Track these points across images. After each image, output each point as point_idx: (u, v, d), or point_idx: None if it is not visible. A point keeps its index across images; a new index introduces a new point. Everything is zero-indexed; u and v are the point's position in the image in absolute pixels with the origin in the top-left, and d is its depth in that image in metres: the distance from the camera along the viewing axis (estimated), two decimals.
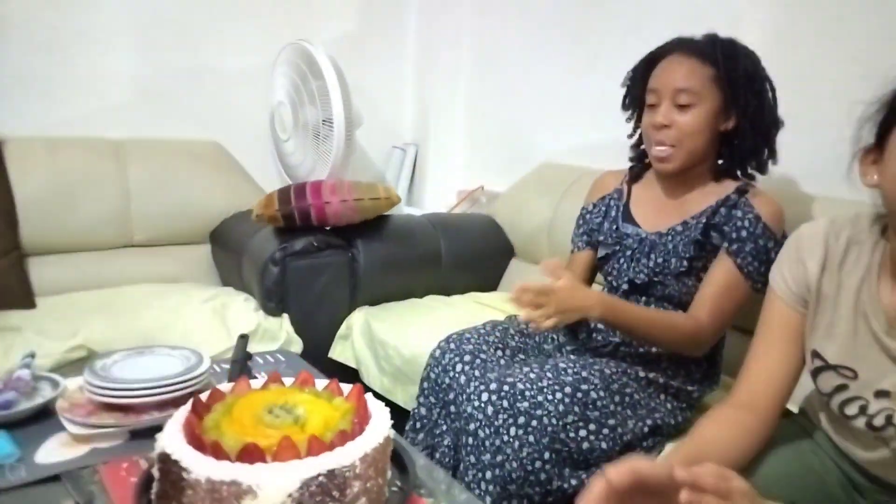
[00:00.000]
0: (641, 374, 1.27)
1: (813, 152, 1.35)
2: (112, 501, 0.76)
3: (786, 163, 1.34)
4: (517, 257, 2.19)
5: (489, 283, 2.16)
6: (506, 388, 1.14)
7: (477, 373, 1.23)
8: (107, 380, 0.93)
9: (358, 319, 1.85)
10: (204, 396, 0.81)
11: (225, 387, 0.85)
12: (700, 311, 1.22)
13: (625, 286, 1.32)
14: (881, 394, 0.89)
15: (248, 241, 1.91)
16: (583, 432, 1.16)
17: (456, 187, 2.69)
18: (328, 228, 1.86)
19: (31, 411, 0.94)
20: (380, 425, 0.78)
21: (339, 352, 1.86)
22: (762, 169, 1.31)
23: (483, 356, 1.27)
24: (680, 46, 1.28)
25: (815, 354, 0.96)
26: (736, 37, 1.29)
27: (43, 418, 0.95)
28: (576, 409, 1.15)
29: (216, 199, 2.15)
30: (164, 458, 0.70)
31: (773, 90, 1.28)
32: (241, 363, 1.13)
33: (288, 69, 2.13)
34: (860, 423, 0.92)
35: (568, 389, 1.15)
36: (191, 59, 2.26)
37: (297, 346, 1.75)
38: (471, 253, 2.13)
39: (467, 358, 1.27)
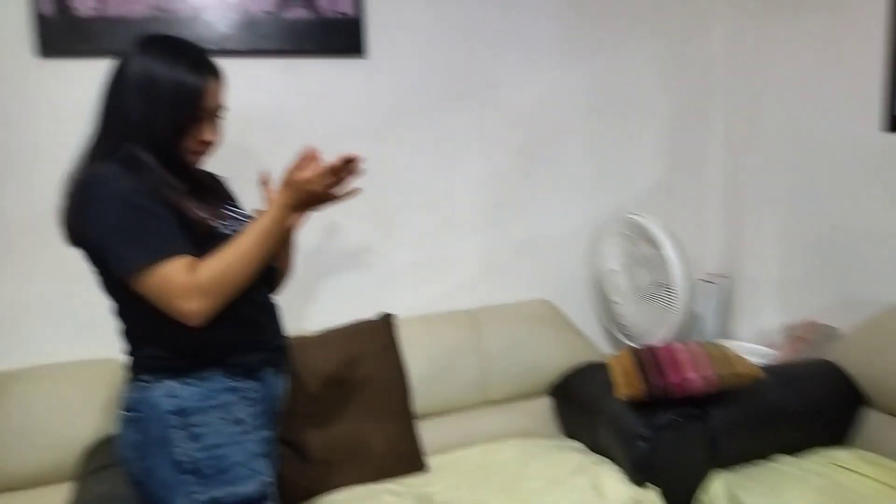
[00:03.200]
0: None
1: None
2: None
3: None
4: (870, 407, 2.10)
5: (836, 437, 2.10)
6: None
7: None
8: None
9: (718, 487, 1.91)
10: None
11: None
12: None
13: None
14: None
15: (602, 406, 2.08)
16: None
17: (774, 321, 2.67)
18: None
19: None
20: None
21: None
22: None
23: None
24: None
25: None
26: None
27: None
28: None
29: (554, 354, 2.39)
30: None
31: None
32: None
33: (618, 239, 2.33)
34: None
35: None
36: (522, 230, 2.58)
37: None
38: (819, 407, 2.09)
39: None
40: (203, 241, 1.25)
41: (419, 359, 2.24)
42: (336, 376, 2.09)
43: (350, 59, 2.29)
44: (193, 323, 1.19)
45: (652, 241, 2.21)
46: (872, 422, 2.08)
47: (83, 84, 2.05)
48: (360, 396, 2.09)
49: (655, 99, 2.72)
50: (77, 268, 1.38)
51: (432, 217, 2.46)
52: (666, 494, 1.88)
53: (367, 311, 2.29)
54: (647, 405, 1.95)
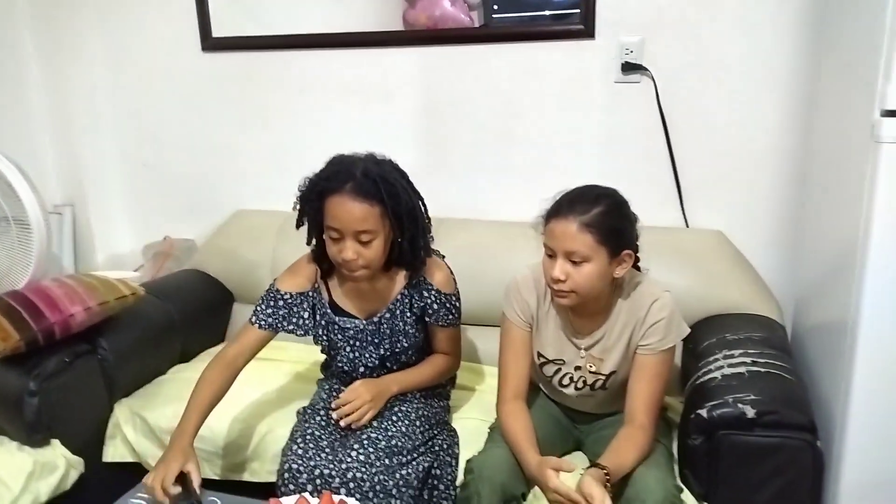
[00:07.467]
0: (419, 395, 1.70)
1: None
2: None
3: None
4: (239, 302, 2.36)
5: (218, 335, 2.30)
6: (351, 484, 1.45)
7: (318, 481, 1.46)
8: None
9: (122, 415, 1.84)
10: None
11: None
12: (447, 354, 1.74)
13: (361, 369, 1.67)
14: (577, 368, 1.55)
15: None
16: (416, 461, 1.54)
17: (132, 244, 2.65)
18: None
19: None
20: None
21: (111, 453, 1.83)
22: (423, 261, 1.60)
23: (318, 470, 1.48)
24: (350, 188, 1.45)
25: (539, 354, 1.57)
26: None
27: None
28: (400, 457, 1.52)
29: None
30: None
31: (422, 201, 1.57)
32: None
33: None
34: (571, 388, 1.57)
35: (387, 460, 1.51)
36: None
37: (77, 466, 1.70)
38: (199, 312, 2.23)
39: (309, 475, 1.48)
40: None
41: None
42: None
43: None
44: None
45: None
46: (240, 313, 2.34)
47: None
48: None
49: None
50: None
51: None
52: (72, 442, 1.71)
53: None
54: (27, 356, 1.68)
